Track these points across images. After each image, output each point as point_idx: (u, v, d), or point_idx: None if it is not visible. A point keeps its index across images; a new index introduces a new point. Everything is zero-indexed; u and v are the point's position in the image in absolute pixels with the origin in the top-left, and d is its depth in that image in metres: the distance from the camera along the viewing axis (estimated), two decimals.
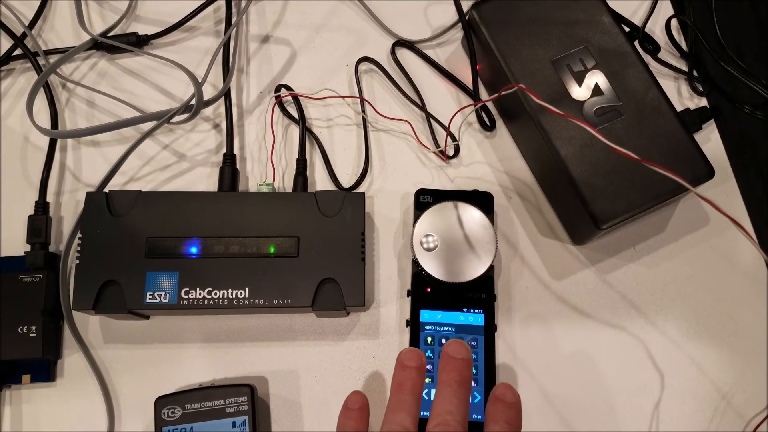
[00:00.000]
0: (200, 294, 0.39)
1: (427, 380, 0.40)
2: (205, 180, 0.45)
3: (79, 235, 0.40)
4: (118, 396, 0.41)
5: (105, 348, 0.42)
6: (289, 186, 0.45)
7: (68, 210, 0.45)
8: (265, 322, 0.42)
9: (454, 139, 0.45)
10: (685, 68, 0.49)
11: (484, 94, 0.47)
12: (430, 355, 0.40)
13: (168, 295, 0.39)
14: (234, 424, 0.37)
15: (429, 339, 0.41)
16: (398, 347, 0.42)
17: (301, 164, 0.44)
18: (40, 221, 0.42)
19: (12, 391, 0.41)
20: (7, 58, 0.47)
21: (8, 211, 0.44)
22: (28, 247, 0.43)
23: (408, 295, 0.42)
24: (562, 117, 0.41)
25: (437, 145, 0.46)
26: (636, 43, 0.45)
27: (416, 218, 0.42)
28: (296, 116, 0.46)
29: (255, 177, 0.46)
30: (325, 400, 0.41)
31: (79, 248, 0.39)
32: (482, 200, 0.43)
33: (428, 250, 0.41)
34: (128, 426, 0.40)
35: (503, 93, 0.40)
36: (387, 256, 0.44)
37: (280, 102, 0.47)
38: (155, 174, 0.46)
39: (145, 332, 0.42)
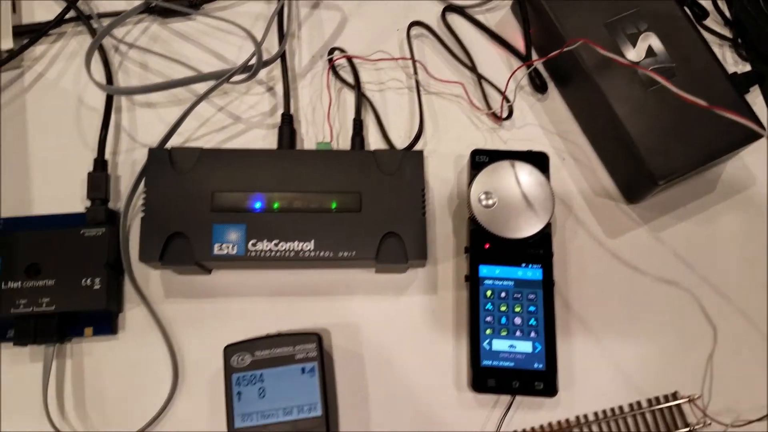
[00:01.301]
0: (267, 246, 0.39)
1: (488, 331, 0.41)
2: (260, 141, 0.46)
3: (143, 188, 0.40)
4: (182, 348, 0.41)
5: (166, 302, 0.42)
6: (344, 147, 0.46)
7: (124, 169, 0.45)
8: (324, 278, 0.43)
9: (507, 100, 0.46)
10: (730, 36, 0.50)
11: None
12: (490, 307, 0.41)
13: (235, 246, 0.39)
14: (303, 370, 0.38)
15: (488, 293, 0.41)
16: (455, 302, 0.43)
17: (358, 124, 0.45)
18: (99, 178, 0.43)
19: (73, 345, 0.42)
20: (60, 20, 0.48)
21: (63, 171, 0.45)
22: (83, 208, 0.43)
23: (466, 252, 0.43)
24: (618, 77, 0.42)
25: (489, 107, 0.46)
26: (686, 9, 0.46)
27: (473, 177, 0.43)
28: (349, 80, 0.47)
29: (309, 139, 0.46)
30: (387, 351, 0.42)
31: (143, 202, 0.40)
32: (537, 160, 0.43)
33: (486, 207, 0.42)
34: (192, 377, 0.41)
35: (566, 49, 0.41)
36: (442, 215, 0.45)
37: (332, 66, 0.47)
38: (211, 135, 0.46)
39: (206, 287, 0.43)
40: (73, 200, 0.44)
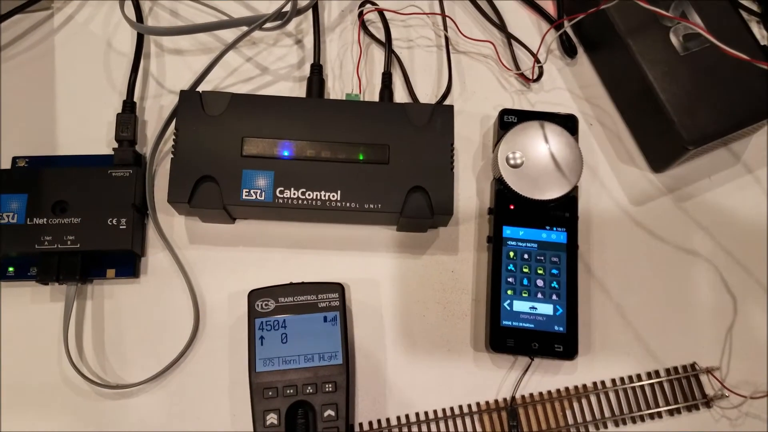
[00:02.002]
0: (294, 194, 0.39)
1: (509, 292, 0.41)
2: (287, 94, 0.46)
3: (173, 131, 0.40)
4: (203, 294, 0.41)
5: (190, 248, 0.42)
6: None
7: (151, 115, 0.45)
8: (345, 234, 0.43)
9: (539, 61, 0.46)
10: (758, 10, 0.49)
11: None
12: (513, 269, 0.41)
13: (264, 193, 0.39)
14: (326, 319, 0.38)
15: (511, 254, 0.41)
16: (477, 263, 0.43)
17: (387, 77, 0.44)
18: (128, 119, 0.42)
19: (94, 286, 0.42)
20: None
21: (90, 114, 0.44)
22: (108, 152, 0.43)
23: (489, 213, 0.43)
24: (651, 40, 0.42)
25: (518, 68, 0.46)
26: None
27: (501, 136, 0.43)
28: (378, 36, 0.47)
29: (336, 93, 0.46)
30: (406, 307, 0.42)
31: (174, 143, 0.40)
32: (566, 122, 0.43)
33: (514, 166, 0.42)
34: (213, 324, 0.41)
35: (604, 6, 0.40)
36: (466, 176, 0.45)
37: (363, 20, 0.47)
38: (239, 85, 0.46)
39: (229, 236, 0.43)
40: (99, 143, 0.44)
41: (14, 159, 0.42)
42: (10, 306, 0.41)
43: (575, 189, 0.42)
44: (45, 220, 0.40)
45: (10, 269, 0.41)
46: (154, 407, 0.40)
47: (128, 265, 0.41)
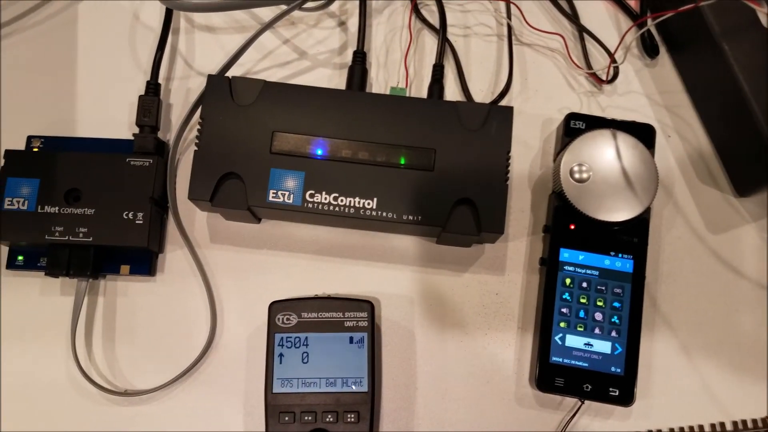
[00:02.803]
0: (326, 199, 0.35)
1: (562, 324, 0.36)
2: (326, 82, 0.41)
3: (198, 119, 0.36)
4: (222, 298, 0.38)
5: (211, 248, 0.39)
6: (419, 96, 0.40)
7: (177, 97, 0.41)
8: (380, 243, 0.39)
9: (615, 61, 0.40)
10: None
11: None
12: (568, 298, 0.36)
13: (292, 195, 0.35)
14: (352, 340, 0.34)
15: (567, 280, 0.36)
16: (525, 287, 0.38)
17: (438, 70, 0.39)
18: (151, 102, 0.39)
19: (107, 282, 0.39)
20: None
21: (112, 93, 0.41)
22: (129, 135, 0.40)
23: (545, 232, 0.38)
24: (751, 45, 0.36)
25: (590, 66, 0.41)
26: None
27: (565, 145, 0.37)
28: (431, 21, 0.42)
29: (379, 84, 0.41)
30: (441, 329, 0.38)
31: (198, 134, 0.36)
32: (641, 133, 0.38)
33: (579, 181, 0.36)
34: (231, 330, 0.38)
35: (702, 4, 0.34)
36: (521, 186, 0.40)
37: (415, 2, 0.42)
38: (274, 70, 0.41)
39: (254, 236, 0.39)
40: (120, 126, 0.40)
41: (29, 138, 0.39)
42: (17, 297, 0.38)
43: (647, 211, 0.36)
44: (57, 208, 0.36)
45: (20, 258, 0.38)
46: (163, 418, 0.37)
47: (144, 262, 0.38)
